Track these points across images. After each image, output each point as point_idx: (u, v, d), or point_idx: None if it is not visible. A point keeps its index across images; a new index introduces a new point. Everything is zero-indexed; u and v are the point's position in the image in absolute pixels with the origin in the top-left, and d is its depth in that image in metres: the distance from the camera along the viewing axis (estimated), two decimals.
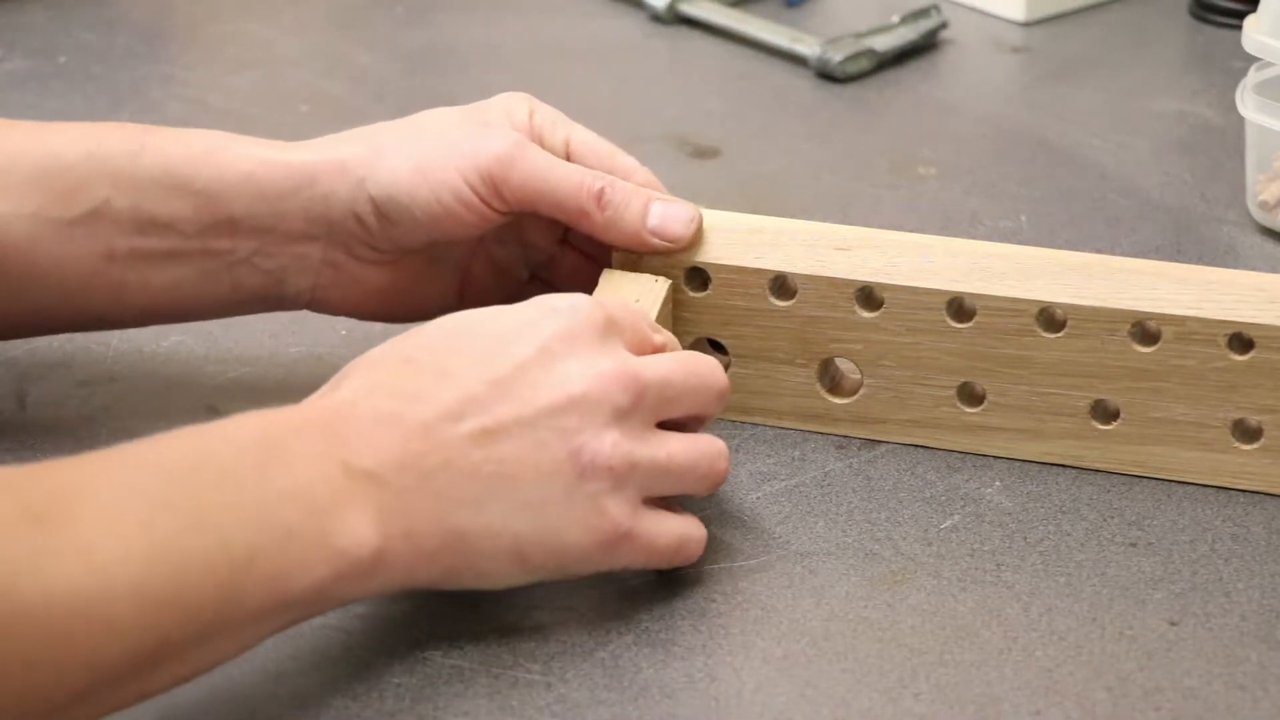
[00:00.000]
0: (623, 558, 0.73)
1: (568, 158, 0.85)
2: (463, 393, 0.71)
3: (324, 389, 0.73)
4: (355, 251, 0.83)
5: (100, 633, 0.62)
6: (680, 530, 0.75)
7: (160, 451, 0.67)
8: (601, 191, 0.82)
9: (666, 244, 0.84)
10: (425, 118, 0.84)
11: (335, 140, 0.84)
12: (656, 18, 1.33)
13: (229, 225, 0.82)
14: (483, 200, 0.81)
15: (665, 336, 0.77)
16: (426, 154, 0.82)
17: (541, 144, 0.84)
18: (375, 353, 0.73)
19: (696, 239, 0.84)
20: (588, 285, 0.85)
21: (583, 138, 0.85)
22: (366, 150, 0.82)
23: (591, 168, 0.84)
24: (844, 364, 0.87)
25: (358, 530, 0.68)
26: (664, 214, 0.84)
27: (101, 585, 0.62)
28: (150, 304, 0.83)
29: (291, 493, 0.67)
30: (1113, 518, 0.81)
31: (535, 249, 0.88)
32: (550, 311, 0.74)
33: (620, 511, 0.72)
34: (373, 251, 0.83)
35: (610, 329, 0.74)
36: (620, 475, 0.72)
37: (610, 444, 0.72)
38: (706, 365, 0.76)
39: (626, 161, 0.85)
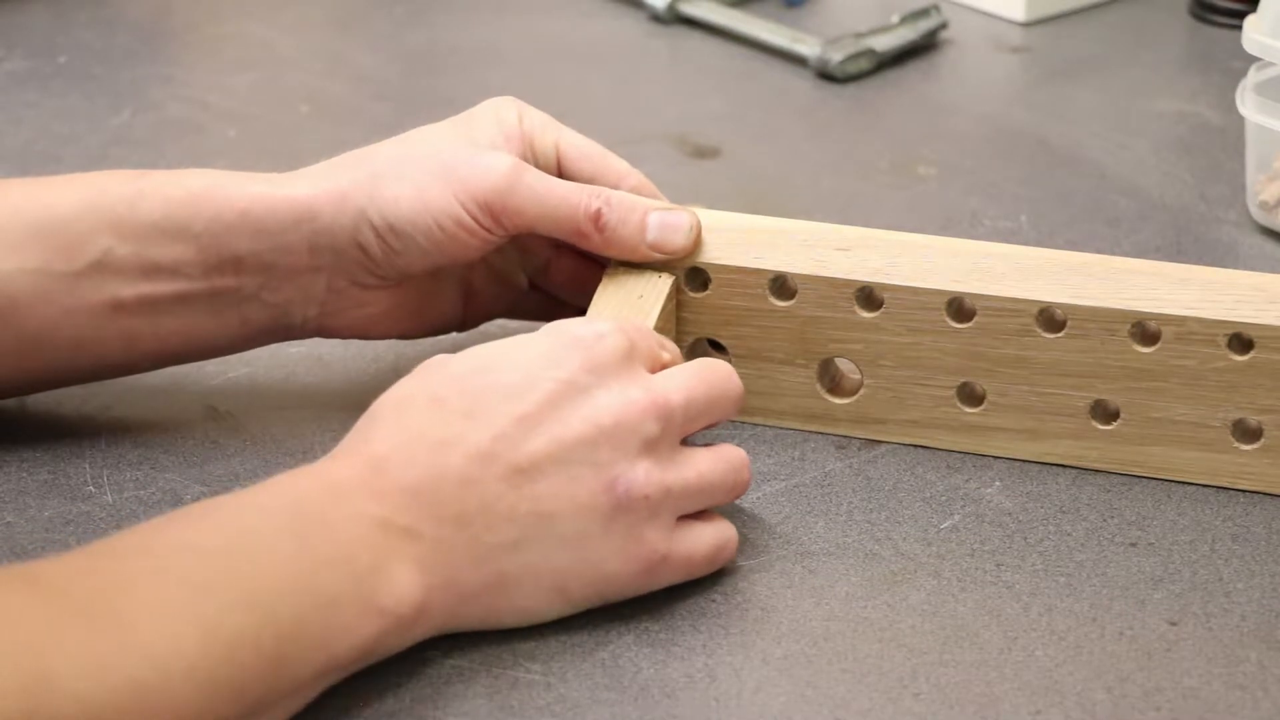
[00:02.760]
0: (663, 579, 0.74)
1: (558, 161, 0.85)
2: (493, 432, 0.71)
3: (354, 436, 0.72)
4: (359, 279, 0.83)
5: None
6: (714, 539, 0.76)
7: (197, 533, 0.67)
8: (599, 213, 0.82)
9: (666, 256, 0.84)
10: (417, 137, 0.84)
11: (330, 169, 0.83)
12: (656, 18, 1.33)
13: (233, 263, 0.82)
14: (482, 226, 0.82)
15: (672, 352, 0.78)
16: (425, 180, 0.81)
17: (532, 148, 0.84)
18: (402, 391, 0.73)
19: (696, 246, 0.84)
20: (584, 287, 0.85)
21: (572, 141, 0.85)
22: (364, 178, 0.82)
23: (583, 171, 0.85)
24: (844, 364, 0.87)
25: (400, 587, 0.68)
26: (662, 226, 0.84)
27: (160, 677, 0.62)
28: (163, 348, 0.83)
29: (333, 559, 0.67)
30: (1113, 518, 0.81)
31: (532, 254, 0.88)
32: (574, 341, 0.74)
33: (657, 537, 0.73)
34: (376, 278, 0.83)
35: (633, 354, 0.74)
36: (655, 503, 0.73)
37: (644, 473, 0.72)
38: (722, 373, 0.76)
39: (618, 165, 0.86)
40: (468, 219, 0.81)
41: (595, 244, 0.83)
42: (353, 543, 0.68)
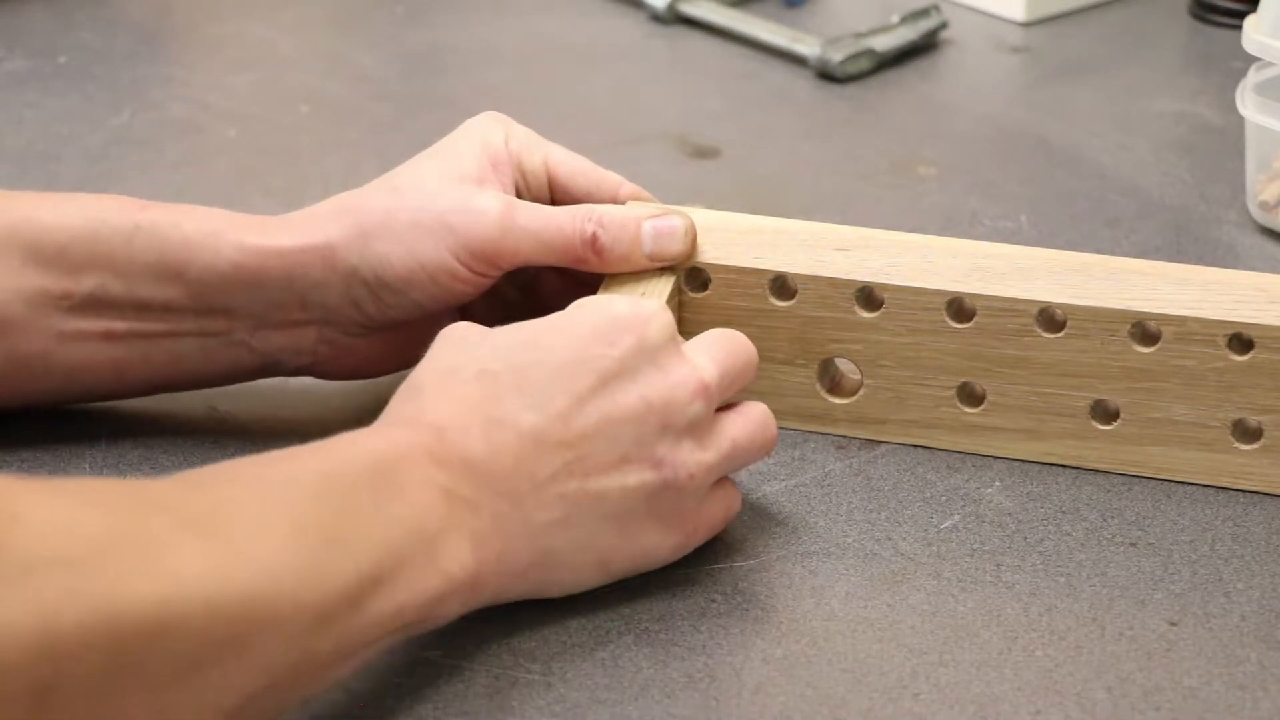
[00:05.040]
0: (689, 546, 0.77)
1: (548, 178, 0.85)
2: (548, 410, 0.72)
3: (403, 404, 0.73)
4: (350, 330, 0.84)
5: (272, 636, 0.62)
6: (724, 500, 0.77)
7: (288, 472, 0.67)
8: (594, 237, 0.82)
9: (665, 263, 0.84)
10: (404, 181, 0.83)
11: (322, 220, 0.83)
12: (656, 18, 1.33)
13: (224, 311, 0.82)
14: (476, 273, 0.82)
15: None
16: (416, 236, 0.81)
17: (520, 169, 0.84)
18: (444, 362, 0.74)
19: (693, 249, 0.85)
20: (574, 296, 0.85)
21: (560, 157, 0.85)
22: (355, 235, 0.82)
23: (578, 187, 0.85)
24: (844, 364, 0.87)
25: (459, 555, 0.69)
26: (657, 235, 0.84)
27: (271, 587, 0.62)
28: (153, 378, 0.84)
29: (404, 518, 0.68)
30: (1113, 518, 0.81)
31: (520, 270, 0.88)
32: (623, 320, 0.74)
33: (695, 512, 0.76)
34: (367, 329, 0.84)
35: (676, 336, 0.75)
36: (699, 481, 0.75)
37: (688, 453, 0.74)
38: (739, 340, 0.78)
39: (610, 177, 0.86)
40: (462, 270, 0.81)
41: (595, 266, 0.83)
42: (422, 506, 0.69)
